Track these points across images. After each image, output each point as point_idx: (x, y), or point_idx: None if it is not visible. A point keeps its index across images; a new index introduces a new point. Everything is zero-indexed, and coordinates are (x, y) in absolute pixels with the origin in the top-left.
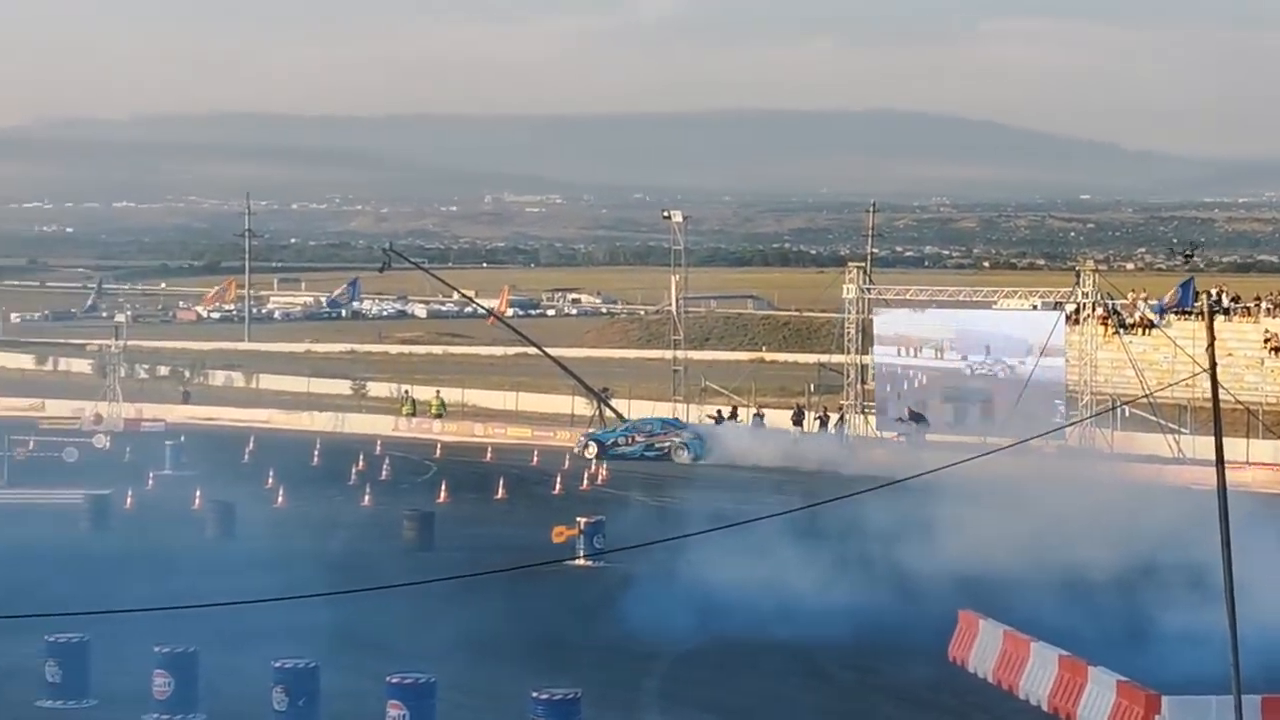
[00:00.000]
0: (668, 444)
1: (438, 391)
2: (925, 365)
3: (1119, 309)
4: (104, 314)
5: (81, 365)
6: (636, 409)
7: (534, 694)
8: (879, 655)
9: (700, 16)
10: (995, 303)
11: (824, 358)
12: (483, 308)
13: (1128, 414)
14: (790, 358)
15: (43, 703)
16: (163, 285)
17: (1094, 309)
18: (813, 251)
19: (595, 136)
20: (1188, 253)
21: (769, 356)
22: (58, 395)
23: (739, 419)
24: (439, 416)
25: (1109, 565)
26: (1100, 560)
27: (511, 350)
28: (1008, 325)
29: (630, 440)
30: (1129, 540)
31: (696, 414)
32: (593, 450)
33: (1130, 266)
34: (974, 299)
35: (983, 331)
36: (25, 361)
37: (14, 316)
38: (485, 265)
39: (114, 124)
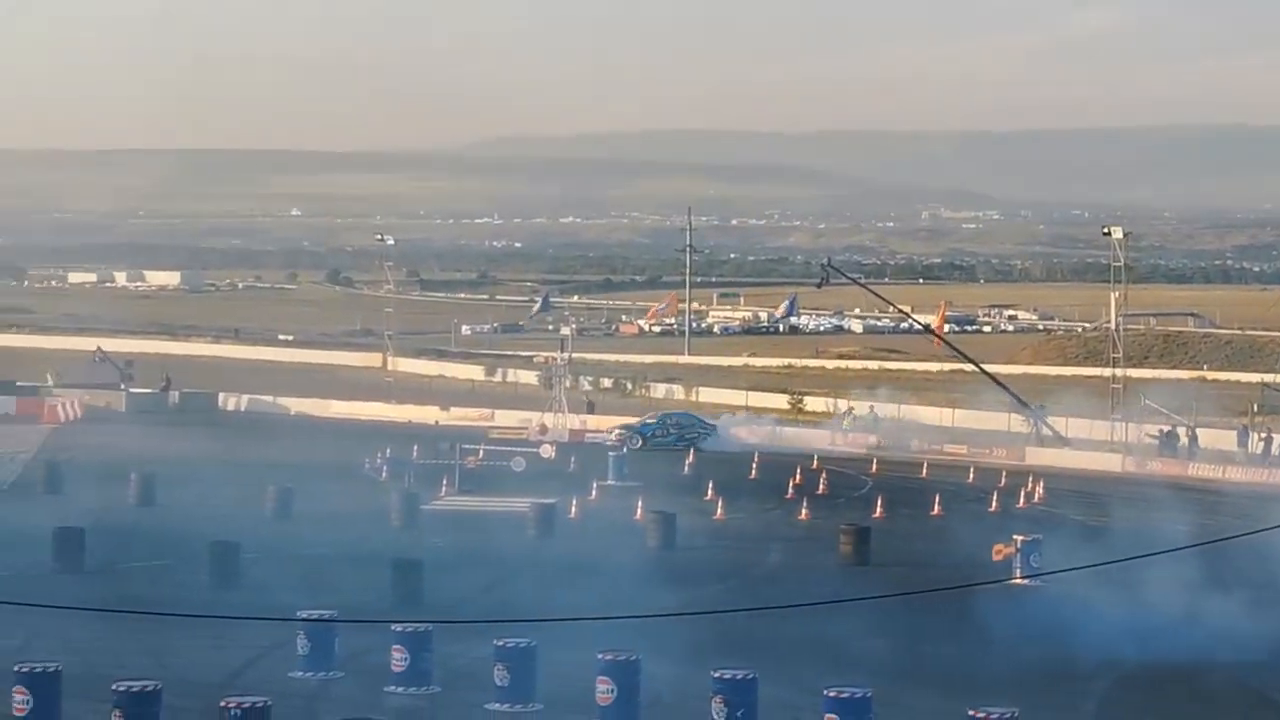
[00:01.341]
0: (695, 434)
1: (871, 406)
2: None
3: None
4: (550, 326)
5: (528, 376)
6: (1074, 427)
7: (970, 712)
8: None
9: (1135, 30)
10: None
11: (1268, 377)
12: (920, 324)
13: None
14: (1232, 377)
15: (491, 705)
16: (574, 298)
17: None
18: (1256, 269)
19: (1032, 152)
20: None
21: (1210, 375)
22: (506, 406)
23: (1179, 439)
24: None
25: None
26: None
27: (947, 366)
28: None
29: (665, 432)
30: None
31: (1135, 433)
32: (637, 442)
33: None
34: None
35: None
36: (476, 372)
37: (465, 328)
38: (921, 281)
39: (560, 142)
